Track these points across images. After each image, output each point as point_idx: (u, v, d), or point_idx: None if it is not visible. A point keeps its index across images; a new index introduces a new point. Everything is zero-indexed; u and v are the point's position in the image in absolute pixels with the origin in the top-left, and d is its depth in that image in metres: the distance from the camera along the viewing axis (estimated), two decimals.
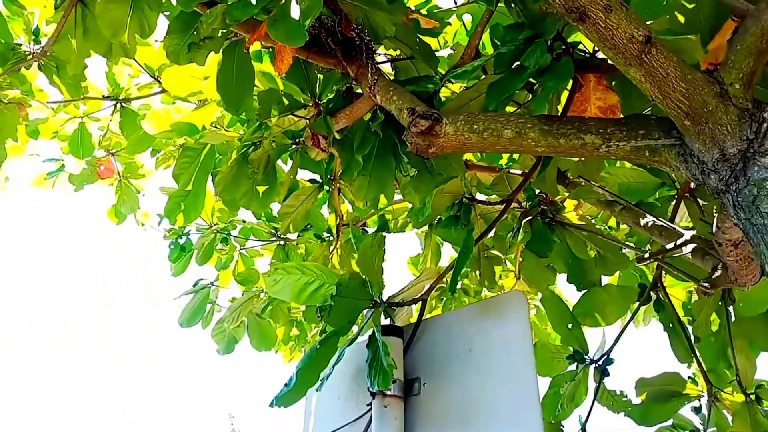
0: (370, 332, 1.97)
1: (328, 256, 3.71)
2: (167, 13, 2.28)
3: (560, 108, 1.98)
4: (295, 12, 1.86)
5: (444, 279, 2.27)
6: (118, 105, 3.58)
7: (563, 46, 1.78)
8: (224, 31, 2.14)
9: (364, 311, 1.98)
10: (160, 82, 3.49)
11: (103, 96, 3.52)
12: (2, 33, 2.36)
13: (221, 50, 2.21)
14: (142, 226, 5.07)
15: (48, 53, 2.47)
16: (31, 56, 2.50)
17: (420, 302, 2.02)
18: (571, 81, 1.86)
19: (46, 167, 4.47)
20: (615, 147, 1.47)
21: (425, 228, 3.88)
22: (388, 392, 1.83)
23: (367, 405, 1.94)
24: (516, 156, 3.50)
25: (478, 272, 3.05)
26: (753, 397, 2.57)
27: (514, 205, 2.59)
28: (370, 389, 1.83)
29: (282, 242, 4.33)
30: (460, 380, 1.83)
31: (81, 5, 2.31)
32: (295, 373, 1.79)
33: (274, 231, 4.37)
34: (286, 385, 1.79)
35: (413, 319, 2.05)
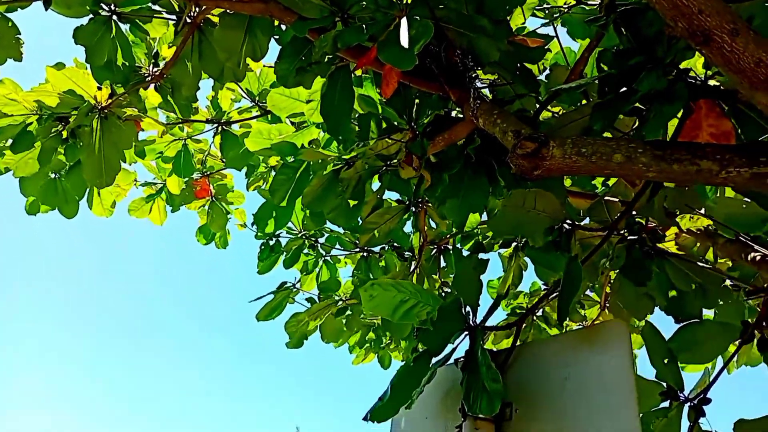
0: (462, 354, 1.98)
1: (408, 275, 3.76)
2: (276, 37, 2.41)
3: (668, 136, 1.95)
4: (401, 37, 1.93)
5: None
6: (220, 128, 3.80)
7: (674, 72, 1.75)
8: (331, 56, 2.25)
9: (457, 334, 1.97)
10: (259, 107, 3.68)
11: (207, 119, 3.74)
12: (127, 57, 2.57)
13: (326, 75, 2.31)
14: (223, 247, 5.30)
15: (165, 76, 2.66)
16: (149, 78, 2.70)
17: (514, 327, 2.00)
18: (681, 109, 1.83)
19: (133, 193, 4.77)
20: (734, 173, 1.43)
21: (509, 250, 3.86)
22: (480, 416, 1.82)
23: (456, 427, 1.93)
24: (610, 182, 3.45)
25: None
26: None
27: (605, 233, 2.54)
28: (468, 412, 1.81)
29: (365, 254, 4.44)
30: (554, 409, 1.79)
31: (198, 32, 2.48)
32: (390, 389, 1.80)
33: (358, 242, 4.49)
34: (380, 399, 1.81)
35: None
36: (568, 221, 2.03)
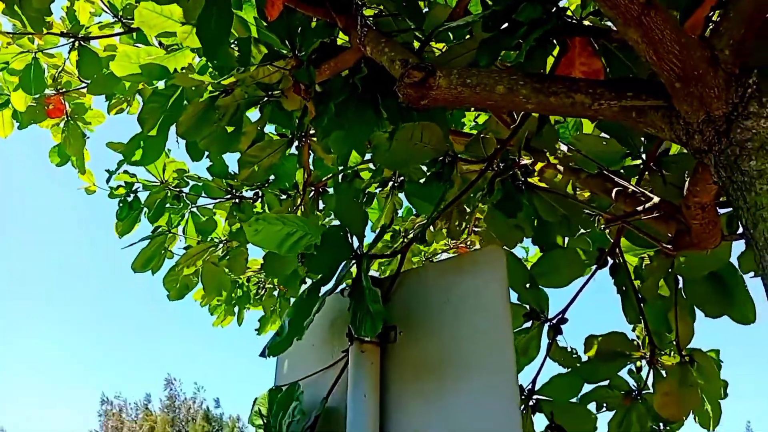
0: (349, 282, 2.01)
1: (291, 212, 3.70)
2: None
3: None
4: None
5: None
6: (77, 43, 3.40)
7: (553, 9, 1.83)
8: None
9: (345, 262, 1.99)
10: (122, 23, 3.33)
11: (62, 32, 3.33)
12: None
13: None
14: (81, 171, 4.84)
15: None
16: None
17: (399, 255, 2.06)
18: (557, 48, 1.92)
19: None
20: (605, 106, 1.53)
21: (386, 189, 3.94)
22: (366, 339, 1.88)
23: (343, 351, 1.99)
24: (480, 120, 3.59)
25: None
26: (687, 358, 2.75)
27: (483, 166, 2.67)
28: (354, 335, 1.85)
29: (237, 200, 4.24)
30: (435, 330, 1.89)
31: None
32: (287, 323, 1.80)
33: (229, 188, 4.27)
34: (277, 334, 1.80)
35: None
36: (450, 153, 2.09)
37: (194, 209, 4.47)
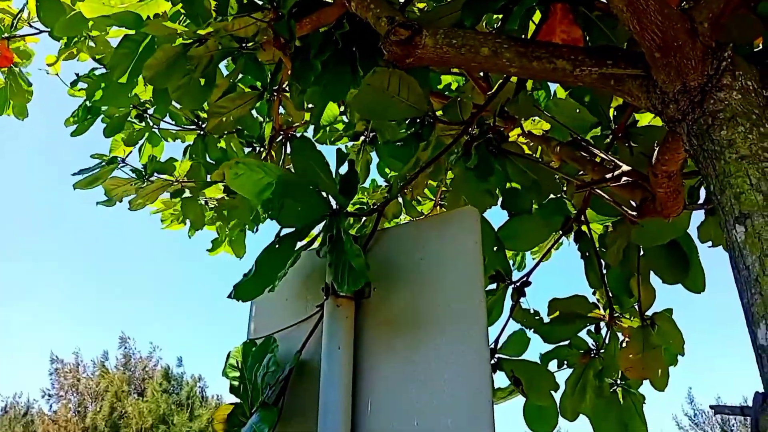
0: (326, 238, 2.03)
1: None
2: None
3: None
4: None
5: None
6: None
7: None
8: None
9: (325, 220, 2.00)
10: None
11: None
12: None
13: None
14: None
15: None
16: None
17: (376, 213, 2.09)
18: (539, 14, 1.95)
19: None
20: (585, 72, 1.57)
21: (357, 143, 3.94)
22: (342, 294, 1.91)
23: (317, 306, 2.01)
24: (453, 86, 3.61)
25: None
26: (648, 321, 2.89)
27: (457, 130, 2.70)
28: (338, 291, 1.87)
29: (202, 132, 4.00)
30: (409, 286, 1.93)
31: None
32: (256, 265, 1.81)
33: (196, 119, 4.09)
34: (245, 276, 1.81)
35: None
36: (430, 113, 2.11)
37: (155, 130, 4.21)
